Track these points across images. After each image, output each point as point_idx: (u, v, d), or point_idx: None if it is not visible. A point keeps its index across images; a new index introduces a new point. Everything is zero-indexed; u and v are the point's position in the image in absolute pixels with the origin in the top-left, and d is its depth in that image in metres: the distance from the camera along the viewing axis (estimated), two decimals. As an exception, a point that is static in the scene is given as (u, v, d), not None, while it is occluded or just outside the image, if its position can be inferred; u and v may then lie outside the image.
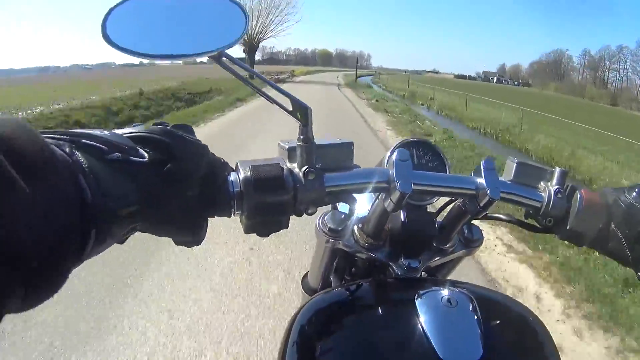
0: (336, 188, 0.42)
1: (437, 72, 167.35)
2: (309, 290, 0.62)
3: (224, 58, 0.37)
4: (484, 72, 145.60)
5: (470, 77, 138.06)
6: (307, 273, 0.64)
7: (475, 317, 0.38)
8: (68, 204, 0.23)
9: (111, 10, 0.37)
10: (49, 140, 0.25)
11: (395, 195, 0.41)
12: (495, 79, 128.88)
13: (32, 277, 0.20)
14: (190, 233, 0.36)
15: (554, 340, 0.43)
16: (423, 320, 0.38)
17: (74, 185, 0.24)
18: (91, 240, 0.25)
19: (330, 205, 0.53)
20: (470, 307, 0.39)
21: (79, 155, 0.26)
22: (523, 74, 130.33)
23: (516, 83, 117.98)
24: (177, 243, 0.36)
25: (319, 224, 0.50)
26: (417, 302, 0.39)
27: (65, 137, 0.27)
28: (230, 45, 0.36)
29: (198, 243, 0.37)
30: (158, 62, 0.36)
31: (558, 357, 0.42)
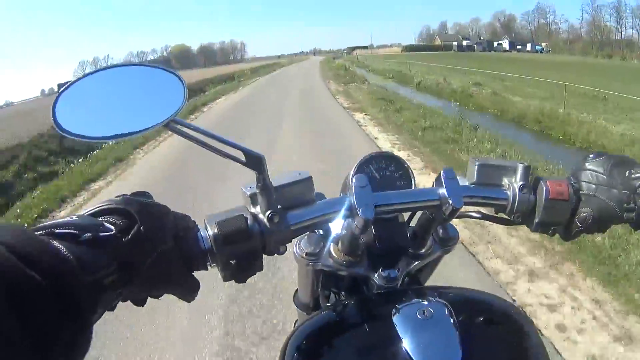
0: (301, 224, 0.45)
1: (366, 47, 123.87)
2: (300, 306, 0.65)
3: (172, 123, 0.39)
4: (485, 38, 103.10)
5: (466, 47, 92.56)
6: (297, 290, 0.66)
7: (452, 322, 0.41)
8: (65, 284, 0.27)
9: (59, 95, 0.38)
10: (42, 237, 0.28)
11: (360, 222, 0.44)
12: (506, 44, 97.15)
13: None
14: (174, 289, 0.39)
15: (541, 338, 0.45)
16: (402, 336, 0.40)
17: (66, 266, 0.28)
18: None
19: None
20: (446, 313, 0.41)
21: (56, 244, 0.28)
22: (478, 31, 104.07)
23: (539, 49, 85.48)
24: (180, 298, 0.40)
25: (296, 249, 0.52)
26: (394, 318, 0.42)
27: (41, 231, 0.30)
28: (174, 115, 0.38)
29: (192, 297, 0.40)
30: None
31: (545, 354, 0.44)
